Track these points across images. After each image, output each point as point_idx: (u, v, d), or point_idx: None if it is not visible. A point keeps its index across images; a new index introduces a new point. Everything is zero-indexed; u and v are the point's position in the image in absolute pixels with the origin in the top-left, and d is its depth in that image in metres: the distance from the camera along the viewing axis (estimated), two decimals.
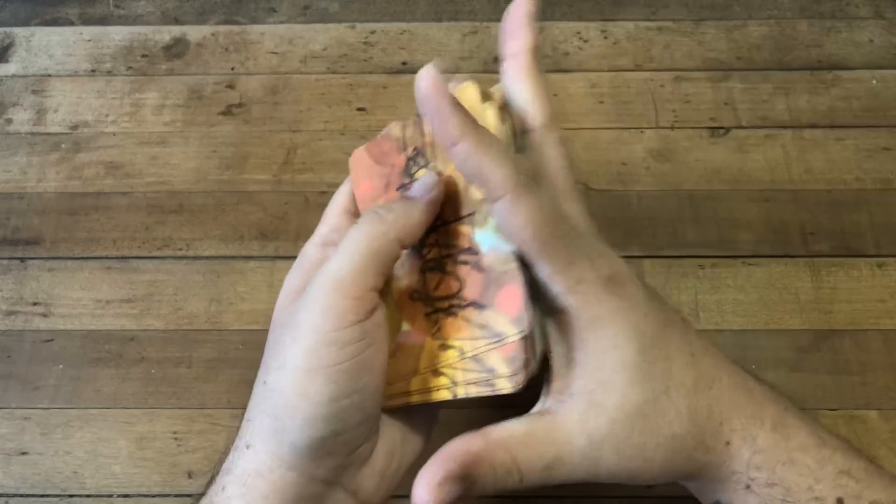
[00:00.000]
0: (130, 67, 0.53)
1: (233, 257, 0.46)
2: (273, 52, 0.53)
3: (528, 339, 0.28)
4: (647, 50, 0.52)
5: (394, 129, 0.33)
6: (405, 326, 0.31)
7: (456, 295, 0.29)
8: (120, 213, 0.48)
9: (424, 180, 0.30)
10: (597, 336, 0.28)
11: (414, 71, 0.52)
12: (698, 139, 0.49)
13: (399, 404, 0.30)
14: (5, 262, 0.47)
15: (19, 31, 0.54)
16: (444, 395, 0.29)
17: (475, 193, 0.29)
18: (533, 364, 0.28)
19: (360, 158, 0.34)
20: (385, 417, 0.30)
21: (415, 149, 0.32)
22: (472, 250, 0.29)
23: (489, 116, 0.29)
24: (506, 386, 0.28)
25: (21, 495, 0.41)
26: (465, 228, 0.29)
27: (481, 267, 0.29)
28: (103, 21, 0.55)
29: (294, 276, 0.32)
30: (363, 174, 0.33)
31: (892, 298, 0.44)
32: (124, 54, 0.53)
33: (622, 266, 0.29)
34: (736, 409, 0.29)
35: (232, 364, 0.44)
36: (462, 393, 0.29)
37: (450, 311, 0.29)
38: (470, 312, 0.29)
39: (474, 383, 0.29)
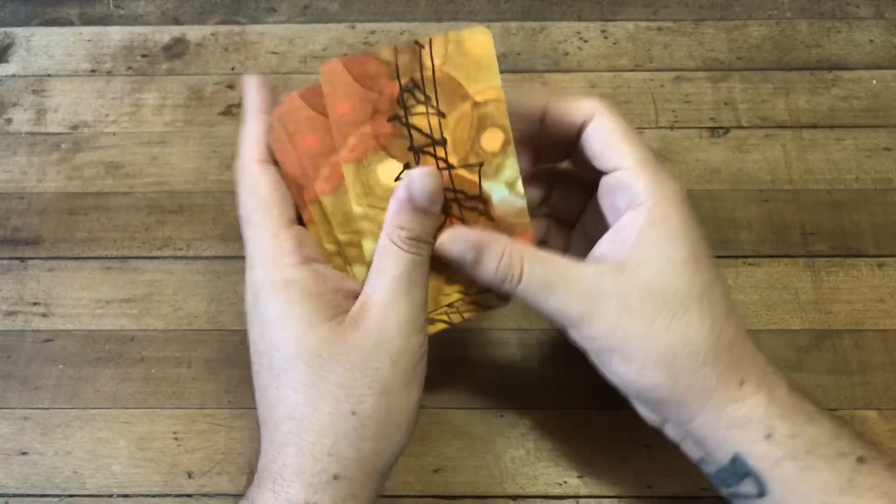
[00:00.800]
0: (130, 67, 0.53)
1: (233, 257, 0.46)
2: (273, 52, 0.53)
3: None
4: (646, 50, 0.52)
5: (383, 51, 0.31)
6: None
7: None
8: (120, 213, 0.48)
9: (423, 184, 0.29)
10: (659, 231, 0.30)
11: None
12: (698, 139, 0.49)
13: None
14: (5, 262, 0.47)
15: (19, 31, 0.54)
16: (439, 326, 0.33)
17: (487, 144, 0.30)
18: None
19: (336, 73, 0.31)
20: None
21: (412, 80, 0.31)
22: (482, 198, 0.31)
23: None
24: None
25: (21, 495, 0.41)
26: (472, 176, 0.31)
27: (491, 216, 0.31)
28: (103, 21, 0.55)
29: (304, 306, 0.29)
30: (342, 92, 0.31)
31: (892, 298, 0.44)
32: (124, 54, 0.53)
33: None
34: (755, 364, 0.30)
35: (232, 364, 0.44)
36: (458, 320, 0.33)
37: None
38: None
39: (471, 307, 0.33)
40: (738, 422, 0.29)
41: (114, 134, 0.50)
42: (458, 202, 0.31)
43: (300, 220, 0.32)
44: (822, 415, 0.29)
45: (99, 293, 0.46)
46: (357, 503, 0.28)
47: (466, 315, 0.33)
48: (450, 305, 0.33)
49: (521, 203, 0.31)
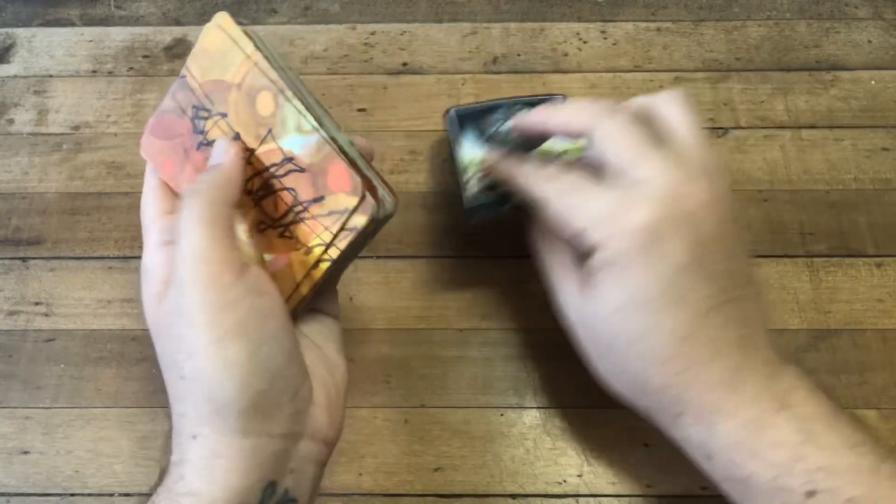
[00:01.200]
0: (132, 68, 0.53)
1: None
2: None
3: (361, 173, 0.31)
4: (646, 51, 0.53)
5: (166, 102, 0.34)
6: (267, 256, 0.33)
7: (295, 204, 0.32)
8: (121, 213, 0.48)
9: (218, 144, 0.32)
10: (607, 276, 0.32)
11: (414, 72, 0.52)
12: None
13: (298, 303, 0.33)
14: (7, 261, 0.47)
15: (21, 32, 0.54)
16: (323, 266, 0.32)
17: (262, 110, 0.31)
18: (387, 198, 0.31)
19: (149, 144, 0.35)
20: (304, 357, 0.32)
21: (193, 107, 0.33)
22: (288, 159, 0.32)
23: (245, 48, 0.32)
24: (365, 212, 0.30)
25: (23, 494, 0.41)
26: (271, 147, 0.32)
27: (302, 167, 0.31)
28: (104, 22, 0.55)
29: (150, 285, 0.32)
30: (161, 157, 0.35)
31: (890, 298, 0.45)
32: (125, 55, 0.53)
33: None
34: (706, 395, 0.31)
35: None
36: (336, 253, 0.31)
37: (297, 220, 0.32)
38: (314, 209, 0.31)
39: (339, 235, 0.31)
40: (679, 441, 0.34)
41: (115, 134, 0.51)
42: (275, 176, 0.32)
43: None
44: (780, 449, 0.30)
45: (100, 293, 0.46)
46: (228, 462, 0.28)
47: (341, 245, 0.31)
48: (325, 246, 0.32)
49: (317, 137, 0.30)
